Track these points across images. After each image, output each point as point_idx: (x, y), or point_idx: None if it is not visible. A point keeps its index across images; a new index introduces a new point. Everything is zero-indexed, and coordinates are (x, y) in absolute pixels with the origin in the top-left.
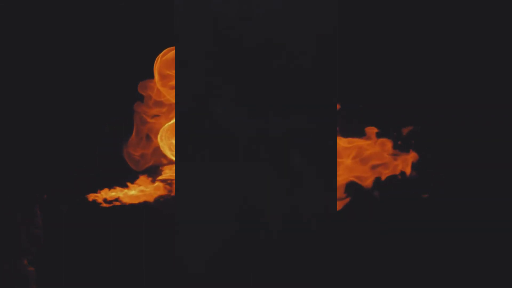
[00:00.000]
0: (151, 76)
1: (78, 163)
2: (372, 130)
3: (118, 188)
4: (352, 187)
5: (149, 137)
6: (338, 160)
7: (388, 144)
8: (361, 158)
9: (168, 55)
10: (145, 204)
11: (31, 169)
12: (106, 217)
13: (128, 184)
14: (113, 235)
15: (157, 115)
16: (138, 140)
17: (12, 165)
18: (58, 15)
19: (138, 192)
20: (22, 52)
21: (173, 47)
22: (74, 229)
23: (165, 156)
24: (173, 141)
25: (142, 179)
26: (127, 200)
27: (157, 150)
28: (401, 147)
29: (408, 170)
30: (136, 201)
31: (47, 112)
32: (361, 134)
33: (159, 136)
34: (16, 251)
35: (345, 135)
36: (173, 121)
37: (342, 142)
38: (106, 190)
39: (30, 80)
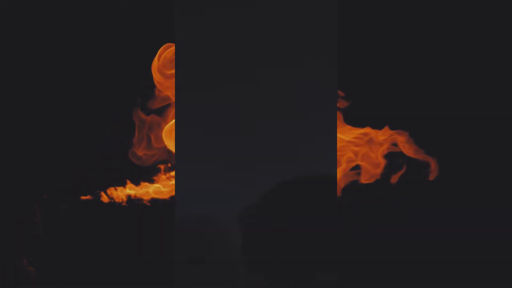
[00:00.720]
0: (151, 75)
1: (78, 163)
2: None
3: (145, 184)
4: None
5: (150, 136)
6: (373, 156)
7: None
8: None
9: (165, 53)
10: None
11: (31, 169)
12: (107, 216)
13: (155, 178)
14: (113, 235)
15: (157, 113)
16: (140, 138)
17: (12, 165)
18: (58, 15)
19: (166, 188)
20: (22, 52)
21: (168, 44)
22: (74, 229)
23: (171, 153)
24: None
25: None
26: (153, 196)
27: (161, 148)
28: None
29: (434, 173)
30: (163, 197)
31: (46, 112)
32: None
33: (163, 134)
34: (16, 251)
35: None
36: (174, 120)
37: (379, 135)
38: (130, 184)
39: (30, 80)
